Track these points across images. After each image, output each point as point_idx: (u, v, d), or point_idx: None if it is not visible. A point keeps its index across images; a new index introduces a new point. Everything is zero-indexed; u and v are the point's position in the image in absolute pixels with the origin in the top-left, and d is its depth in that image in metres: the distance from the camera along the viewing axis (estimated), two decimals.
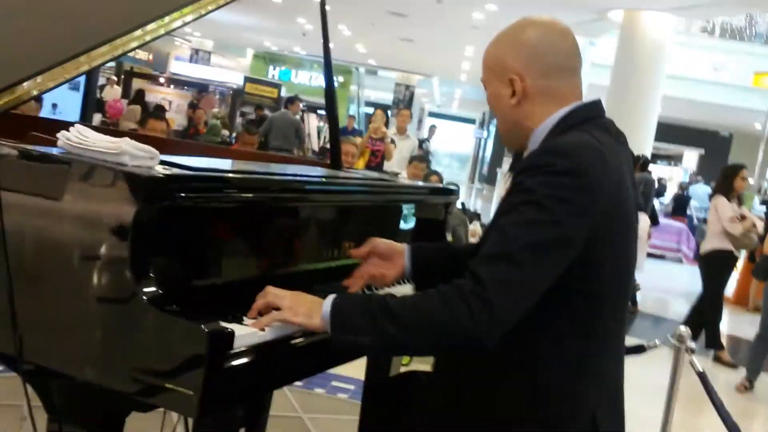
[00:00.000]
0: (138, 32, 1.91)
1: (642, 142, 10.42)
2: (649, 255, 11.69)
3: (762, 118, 13.45)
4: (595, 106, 1.64)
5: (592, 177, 1.45)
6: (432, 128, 14.90)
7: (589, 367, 1.56)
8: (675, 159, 26.86)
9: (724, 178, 6.40)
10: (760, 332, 5.65)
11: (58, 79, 1.77)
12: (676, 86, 14.51)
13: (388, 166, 8.51)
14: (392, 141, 8.69)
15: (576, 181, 1.43)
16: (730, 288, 9.83)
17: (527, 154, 1.58)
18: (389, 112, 9.70)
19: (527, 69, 1.59)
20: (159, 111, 10.82)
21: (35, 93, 1.80)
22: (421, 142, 13.70)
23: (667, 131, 19.60)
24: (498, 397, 1.57)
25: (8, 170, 1.58)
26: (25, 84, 1.77)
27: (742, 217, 6.01)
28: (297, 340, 1.62)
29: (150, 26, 1.94)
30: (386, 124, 8.71)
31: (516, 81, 1.59)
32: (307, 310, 1.56)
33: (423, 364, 3.89)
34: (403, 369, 2.74)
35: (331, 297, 1.56)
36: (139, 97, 14.52)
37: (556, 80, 1.60)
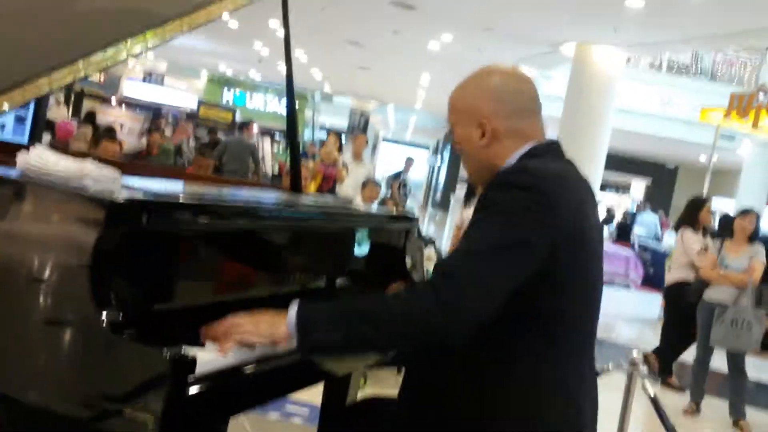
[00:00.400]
0: (99, 56, 1.90)
1: (592, 171, 10.64)
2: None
3: (707, 151, 13.86)
4: (555, 142, 1.76)
5: (552, 194, 1.55)
6: (409, 161, 14.75)
7: (556, 386, 1.59)
8: (623, 188, 27.46)
9: (690, 211, 6.46)
10: (698, 356, 5.78)
11: (17, 101, 1.75)
12: (626, 119, 14.88)
13: (342, 190, 8.53)
14: (344, 165, 8.73)
15: (537, 196, 1.53)
16: None
17: (495, 176, 1.66)
18: (343, 137, 9.73)
19: (495, 112, 1.70)
20: (110, 132, 10.68)
21: None
22: (398, 174, 13.70)
23: (616, 161, 20.07)
24: (466, 414, 1.58)
25: None
26: None
27: (707, 249, 6.12)
28: (258, 365, 1.62)
29: (111, 50, 1.93)
30: (339, 149, 8.73)
31: (486, 124, 1.70)
32: (269, 324, 1.57)
33: (381, 388, 3.88)
34: (360, 393, 2.74)
35: (295, 302, 1.56)
36: (90, 119, 14.29)
37: (520, 121, 1.71)
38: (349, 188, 8.52)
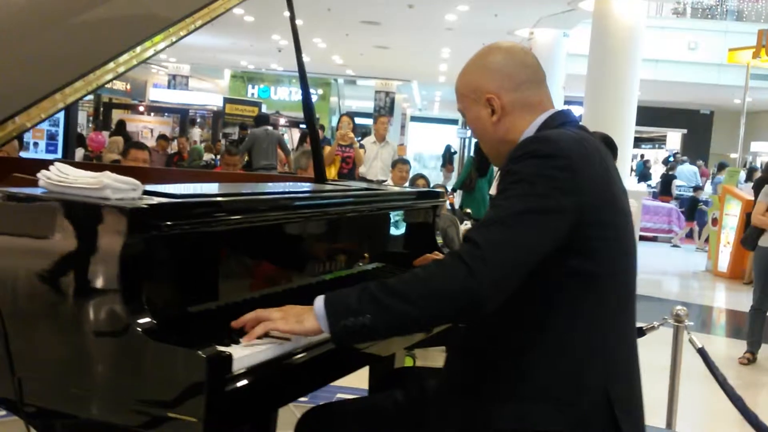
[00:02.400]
0: (111, 65, 1.91)
1: (623, 126, 10.46)
2: (641, 238, 11.77)
3: (740, 93, 13.54)
4: (569, 112, 1.78)
5: (573, 160, 1.56)
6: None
7: (594, 345, 1.59)
8: (658, 141, 26.99)
9: None
10: (755, 304, 5.67)
11: (35, 118, 1.77)
12: (653, 69, 14.61)
13: (371, 173, 8.53)
14: (361, 146, 8.73)
15: (559, 162, 1.54)
16: (725, 262, 9.90)
17: (513, 148, 1.66)
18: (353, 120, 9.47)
19: (501, 87, 1.72)
20: (137, 142, 10.81)
21: (14, 134, 1.79)
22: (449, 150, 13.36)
23: (649, 114, 19.71)
24: (509, 377, 1.60)
25: None
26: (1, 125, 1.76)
27: None
28: (297, 356, 1.62)
29: (122, 58, 1.94)
30: (353, 130, 8.71)
31: (494, 99, 1.72)
32: (297, 316, 1.57)
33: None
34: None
35: (320, 296, 1.57)
36: (120, 128, 14.51)
37: (528, 92, 1.73)
38: (378, 171, 8.52)
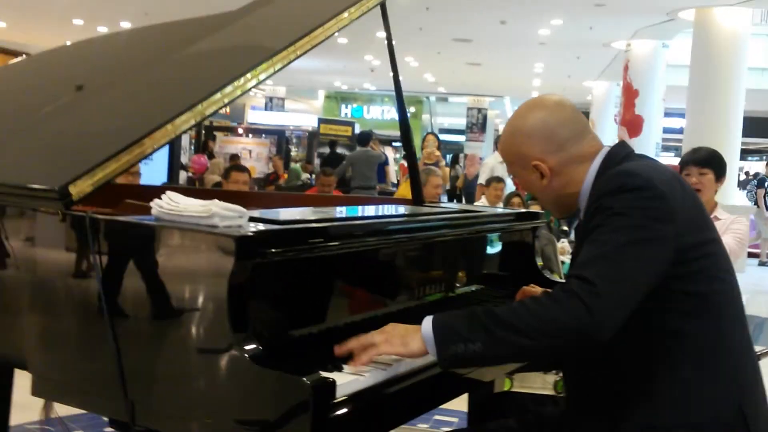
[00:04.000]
0: (217, 96, 1.98)
1: (729, 137, 10.04)
2: (750, 254, 11.21)
3: None
4: (625, 144, 1.79)
5: (660, 188, 1.57)
6: None
7: (721, 366, 1.59)
8: (766, 153, 25.73)
9: None
10: None
11: (148, 149, 1.85)
12: (760, 77, 13.97)
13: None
14: (447, 165, 8.77)
15: (648, 193, 1.56)
16: None
17: (582, 205, 1.71)
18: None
19: (544, 151, 1.72)
20: (236, 162, 11.16)
21: (129, 164, 1.87)
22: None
23: (756, 125, 18.82)
24: (641, 404, 1.59)
25: (108, 239, 1.66)
26: (121, 155, 1.84)
27: None
28: (399, 383, 1.62)
29: (227, 89, 2.00)
30: (438, 147, 8.71)
31: (540, 165, 1.72)
32: (402, 337, 1.57)
33: (527, 390, 3.81)
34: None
35: (428, 317, 1.57)
36: (206, 150, 15.03)
37: (573, 147, 1.73)
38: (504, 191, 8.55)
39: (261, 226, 1.63)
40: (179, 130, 1.91)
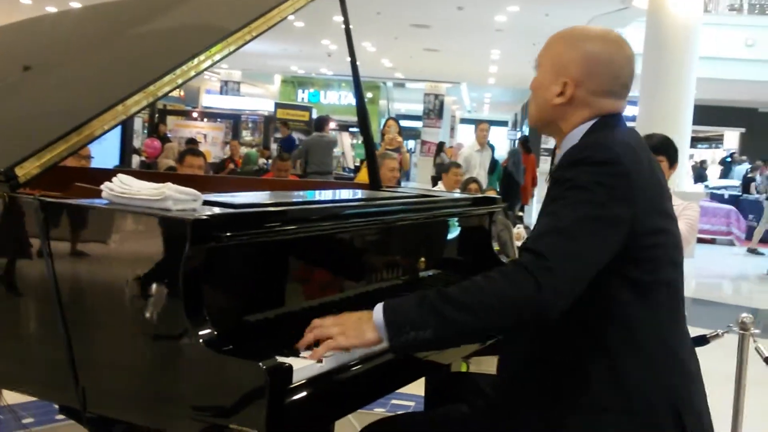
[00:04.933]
0: (169, 76, 1.94)
1: (680, 125, 10.22)
2: (699, 240, 11.48)
3: None
4: (618, 114, 1.72)
5: (627, 166, 1.53)
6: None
7: (657, 354, 1.58)
8: (715, 140, 26.32)
9: None
10: None
11: (98, 130, 1.80)
12: (710, 67, 14.24)
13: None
14: (408, 151, 8.88)
15: (613, 169, 1.52)
16: None
17: (563, 154, 1.66)
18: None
19: (583, 81, 1.66)
20: (193, 146, 10.99)
21: (79, 146, 1.82)
22: None
23: (705, 113, 19.21)
24: (576, 389, 1.58)
25: (57, 224, 1.61)
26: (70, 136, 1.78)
27: None
28: (355, 367, 1.62)
29: (181, 69, 1.96)
30: (399, 133, 8.76)
31: (569, 86, 1.67)
32: (357, 328, 1.55)
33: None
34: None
35: (379, 304, 1.55)
36: (158, 135, 14.83)
37: (602, 99, 1.68)
38: (482, 179, 8.66)
39: (216, 210, 1.60)
40: (130, 111, 1.86)
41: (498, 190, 9.75)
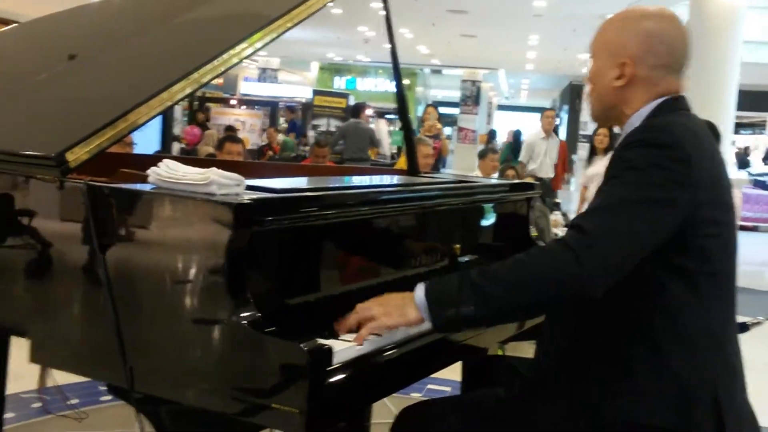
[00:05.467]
0: (212, 64, 1.97)
1: (723, 111, 10.02)
2: (741, 228, 11.26)
3: None
4: (683, 98, 1.70)
5: (689, 152, 1.51)
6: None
7: (700, 343, 1.56)
8: (759, 126, 25.73)
9: None
10: None
11: (143, 117, 1.84)
12: (755, 51, 13.91)
13: (543, 172, 8.74)
14: (448, 137, 8.91)
15: (673, 153, 1.50)
16: None
17: (624, 135, 1.65)
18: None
19: (642, 58, 1.64)
20: (232, 133, 11.11)
21: (126, 132, 1.86)
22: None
23: (749, 98, 18.79)
24: (617, 371, 1.57)
25: (106, 208, 1.66)
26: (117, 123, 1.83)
27: None
28: (394, 350, 1.64)
29: (223, 57, 1.99)
30: (438, 120, 8.79)
31: (628, 65, 1.65)
32: (399, 308, 1.57)
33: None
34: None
35: (420, 284, 1.57)
36: (205, 122, 15.02)
37: (663, 74, 1.66)
38: (548, 168, 8.68)
39: (258, 194, 1.63)
40: (175, 98, 1.90)
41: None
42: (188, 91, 1.92)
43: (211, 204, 1.51)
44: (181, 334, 1.56)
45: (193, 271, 1.53)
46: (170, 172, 1.60)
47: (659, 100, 1.65)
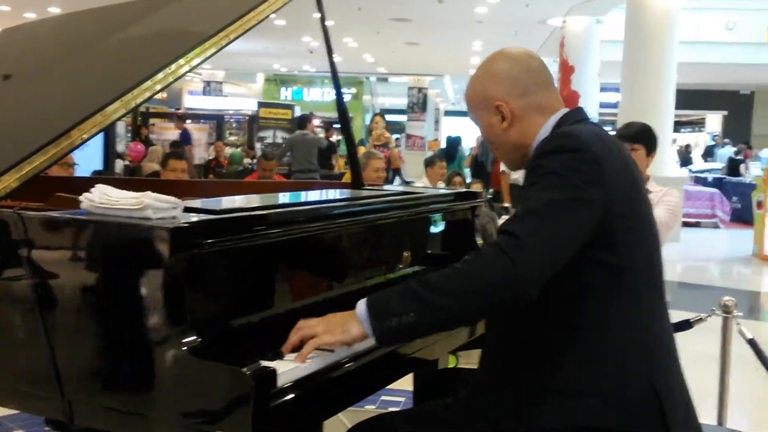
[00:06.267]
0: (147, 83, 1.94)
1: (662, 110, 10.29)
2: (684, 224, 11.56)
3: None
4: (581, 109, 1.81)
5: (596, 152, 1.59)
6: None
7: (632, 337, 1.60)
8: (698, 124, 26.47)
9: None
10: None
11: (76, 141, 1.80)
12: (691, 51, 14.31)
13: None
14: (397, 146, 8.84)
15: (584, 156, 1.58)
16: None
17: (534, 149, 1.71)
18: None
19: (508, 93, 1.74)
20: (176, 149, 10.96)
21: (57, 156, 1.81)
22: None
23: (688, 97, 19.32)
24: (552, 374, 1.60)
25: (38, 236, 1.62)
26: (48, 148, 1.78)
27: None
28: (342, 367, 1.63)
29: (158, 76, 1.96)
30: (386, 128, 8.77)
31: (502, 106, 1.74)
32: (342, 324, 1.57)
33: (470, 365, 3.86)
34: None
35: (362, 299, 1.58)
36: (143, 138, 14.85)
37: (536, 95, 1.75)
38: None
39: (196, 217, 1.61)
40: (110, 119, 1.86)
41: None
42: (122, 112, 1.88)
43: (147, 229, 1.48)
44: (122, 363, 1.52)
45: (130, 299, 1.50)
46: (103, 197, 1.57)
47: (558, 115, 1.74)
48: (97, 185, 1.64)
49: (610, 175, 1.59)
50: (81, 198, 1.61)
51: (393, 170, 9.01)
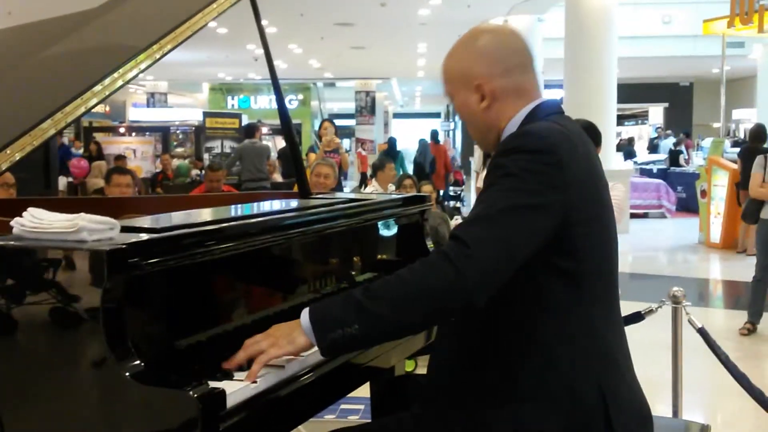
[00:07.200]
0: (77, 101, 1.88)
1: (605, 105, 10.47)
2: (632, 215, 11.78)
3: (718, 62, 13.59)
4: (554, 102, 1.73)
5: (561, 156, 1.52)
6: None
7: (584, 343, 1.57)
8: (641, 117, 27.02)
9: None
10: (757, 275, 5.66)
11: (4, 164, 1.73)
12: (630, 46, 14.60)
13: None
14: (347, 151, 8.81)
15: (547, 158, 1.51)
16: (717, 233, 9.92)
17: (501, 142, 1.65)
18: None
19: (490, 72, 1.65)
20: (120, 163, 10.75)
21: None
22: None
23: (629, 91, 19.72)
24: (501, 379, 1.57)
25: None
26: None
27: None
28: (294, 382, 1.59)
29: (88, 93, 1.90)
30: (336, 134, 8.72)
31: (483, 86, 1.66)
32: (287, 335, 1.53)
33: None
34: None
35: (306, 309, 1.54)
36: (98, 152, 14.50)
37: (517, 76, 1.67)
38: None
39: (134, 237, 1.55)
40: (39, 140, 1.80)
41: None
42: (53, 131, 1.82)
43: (82, 252, 1.43)
44: (62, 393, 1.46)
45: (68, 326, 1.44)
46: (35, 221, 1.50)
47: (531, 105, 1.67)
48: (29, 208, 1.57)
49: (573, 179, 1.53)
50: (12, 223, 1.54)
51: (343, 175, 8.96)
